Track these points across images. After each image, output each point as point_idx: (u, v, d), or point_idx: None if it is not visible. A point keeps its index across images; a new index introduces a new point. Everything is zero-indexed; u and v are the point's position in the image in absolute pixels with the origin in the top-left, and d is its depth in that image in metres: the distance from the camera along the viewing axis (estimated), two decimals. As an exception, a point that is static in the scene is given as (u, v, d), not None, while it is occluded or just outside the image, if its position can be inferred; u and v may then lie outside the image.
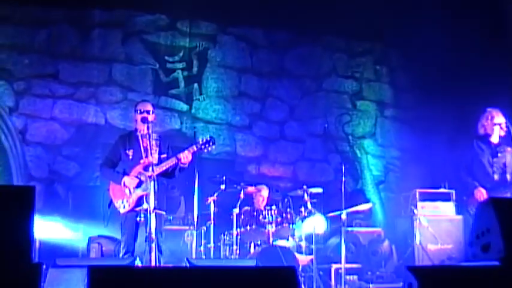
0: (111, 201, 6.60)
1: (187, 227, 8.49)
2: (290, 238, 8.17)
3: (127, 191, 6.50)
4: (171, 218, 8.51)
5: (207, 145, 6.61)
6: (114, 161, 6.78)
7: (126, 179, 6.52)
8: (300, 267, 7.67)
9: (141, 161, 6.51)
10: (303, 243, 8.13)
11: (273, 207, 8.11)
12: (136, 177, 6.52)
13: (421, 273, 3.05)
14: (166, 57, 10.07)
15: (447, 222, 8.67)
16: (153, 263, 5.97)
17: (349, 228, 8.79)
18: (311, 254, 7.91)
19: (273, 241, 7.84)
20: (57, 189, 9.25)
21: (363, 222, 9.47)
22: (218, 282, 3.01)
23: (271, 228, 7.85)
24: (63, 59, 9.55)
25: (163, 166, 6.50)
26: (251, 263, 6.49)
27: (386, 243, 8.71)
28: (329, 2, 9.46)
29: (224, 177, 8.17)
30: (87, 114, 9.56)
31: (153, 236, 6.03)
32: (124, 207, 6.49)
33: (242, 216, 8.06)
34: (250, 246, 8.12)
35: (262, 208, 8.28)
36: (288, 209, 8.18)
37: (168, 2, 9.47)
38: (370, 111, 11.01)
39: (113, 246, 7.88)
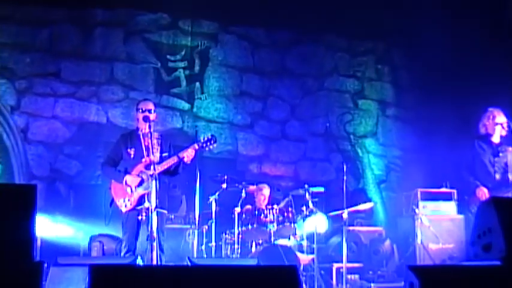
0: (112, 200, 6.60)
1: (188, 226, 8.49)
2: (291, 237, 8.16)
3: (128, 189, 6.50)
4: (173, 216, 8.51)
5: (208, 143, 6.62)
6: (116, 160, 6.78)
7: (127, 177, 6.52)
8: (302, 267, 7.67)
9: (143, 160, 6.51)
10: (305, 243, 8.13)
11: (275, 206, 8.11)
12: (138, 176, 6.52)
13: (423, 273, 3.05)
14: (168, 56, 10.08)
15: (448, 221, 8.66)
16: (154, 262, 5.98)
17: (351, 228, 8.78)
18: (312, 253, 7.91)
19: (274, 240, 7.83)
20: (59, 188, 9.26)
21: (364, 222, 9.47)
22: (219, 281, 3.01)
23: (273, 228, 7.84)
24: (65, 58, 9.57)
25: (165, 165, 6.49)
26: (252, 262, 6.48)
27: (387, 242, 8.70)
28: (331, 1, 9.47)
29: (226, 176, 8.17)
30: (88, 113, 9.57)
31: (155, 234, 6.04)
32: (125, 206, 6.49)
33: (243, 215, 8.06)
34: (251, 245, 8.12)
35: (264, 207, 8.28)
36: (290, 208, 8.17)
37: (170, 1, 9.47)
38: (372, 111, 11.01)
39: (115, 244, 7.88)
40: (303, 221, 8.09)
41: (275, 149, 10.45)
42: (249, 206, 8.38)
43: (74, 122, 9.49)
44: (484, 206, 3.52)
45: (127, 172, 6.57)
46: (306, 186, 8.29)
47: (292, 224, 7.99)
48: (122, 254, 6.52)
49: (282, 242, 7.99)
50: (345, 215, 7.84)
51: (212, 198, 8.00)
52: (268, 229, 7.83)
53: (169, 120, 9.91)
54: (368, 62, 11.12)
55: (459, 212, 8.71)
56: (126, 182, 6.51)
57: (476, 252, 3.45)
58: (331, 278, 8.23)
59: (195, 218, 7.64)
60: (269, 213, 7.92)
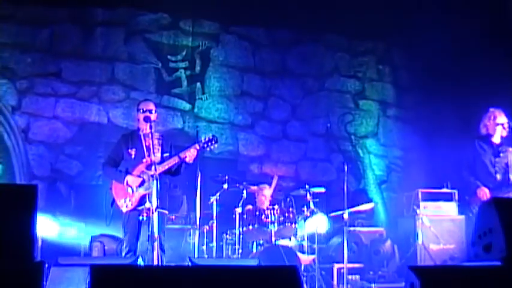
0: (113, 200, 6.60)
1: (189, 226, 8.50)
2: (292, 237, 8.17)
3: (129, 190, 6.50)
4: (174, 217, 8.51)
5: (209, 144, 6.62)
6: (117, 160, 6.77)
7: (128, 178, 6.52)
8: (302, 267, 7.67)
9: (144, 160, 6.51)
10: (305, 243, 8.14)
11: (275, 206, 8.11)
12: (139, 176, 6.51)
13: (423, 273, 3.05)
14: (169, 57, 10.08)
15: (449, 222, 8.67)
16: (155, 262, 5.98)
17: (351, 228, 8.78)
18: (313, 253, 7.91)
19: (275, 240, 7.84)
20: (60, 188, 9.27)
21: (365, 222, 9.47)
22: (220, 281, 3.01)
23: (274, 228, 7.84)
24: (65, 58, 9.57)
25: (166, 165, 6.49)
26: (253, 262, 6.49)
27: (388, 243, 8.70)
28: (331, 1, 9.47)
29: (226, 177, 8.17)
30: (89, 113, 9.57)
31: (156, 235, 6.05)
32: (126, 206, 6.49)
33: (244, 216, 8.06)
34: (252, 246, 8.12)
35: (265, 207, 8.28)
36: (291, 209, 8.17)
37: (171, 1, 9.48)
38: (373, 111, 11.00)
39: (115, 245, 7.89)
40: (304, 221, 8.10)
41: (276, 149, 10.45)
42: (250, 206, 8.39)
43: (74, 122, 9.49)
44: (484, 206, 3.51)
45: (128, 172, 6.57)
46: (307, 186, 8.30)
47: (293, 225, 7.99)
48: (123, 254, 6.52)
49: (282, 242, 7.99)
50: (346, 216, 7.85)
51: (213, 199, 8.00)
52: (269, 229, 7.83)
53: (170, 121, 9.91)
54: (369, 63, 11.11)
55: (460, 212, 8.71)
56: (127, 182, 6.51)
57: (477, 252, 3.44)
58: (332, 278, 8.23)
59: (196, 218, 7.65)
60: (270, 213, 7.92)
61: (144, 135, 6.57)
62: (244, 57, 10.49)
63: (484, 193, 6.87)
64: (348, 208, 7.91)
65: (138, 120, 6.72)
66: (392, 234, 9.21)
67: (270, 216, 7.90)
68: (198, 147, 6.57)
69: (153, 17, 10.05)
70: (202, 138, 6.69)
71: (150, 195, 6.19)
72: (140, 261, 6.06)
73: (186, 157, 6.51)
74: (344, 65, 10.98)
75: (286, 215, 8.01)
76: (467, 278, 3.14)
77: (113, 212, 6.65)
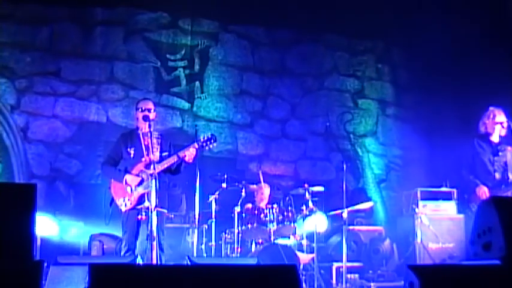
0: (112, 199, 6.60)
1: (188, 225, 8.50)
2: (291, 236, 8.16)
3: (128, 189, 6.50)
4: (173, 216, 8.50)
5: (208, 143, 6.61)
6: (116, 159, 6.77)
7: (127, 177, 6.52)
8: (301, 266, 7.67)
9: (143, 159, 6.51)
10: (304, 242, 8.12)
11: (275, 205, 8.11)
12: (138, 175, 6.51)
13: (422, 272, 3.05)
14: (168, 55, 10.08)
15: (448, 221, 8.67)
16: (154, 261, 5.97)
17: (351, 227, 8.78)
18: (312, 252, 7.91)
19: (274, 239, 7.83)
20: (59, 187, 9.27)
21: (364, 221, 9.47)
22: (219, 280, 3.01)
23: (273, 227, 7.84)
24: (65, 57, 9.57)
25: (165, 164, 6.49)
26: (252, 261, 6.48)
27: (387, 241, 8.71)
28: (331, 0, 9.47)
29: (225, 176, 8.18)
30: (88, 112, 9.57)
31: (155, 234, 6.04)
32: (125, 205, 6.49)
33: (243, 215, 8.07)
34: (251, 245, 8.11)
35: (264, 206, 8.28)
36: (290, 208, 8.17)
37: (170, 0, 9.48)
38: (372, 110, 11.01)
39: (114, 244, 7.88)
40: (303, 220, 8.10)
41: (275, 148, 10.46)
42: (249, 205, 8.38)
43: (74, 121, 9.49)
44: (484, 205, 3.51)
45: (127, 171, 6.57)
46: (306, 185, 8.30)
47: (292, 224, 7.99)
48: (122, 253, 6.52)
49: (282, 241, 7.99)
50: (345, 215, 7.85)
51: (212, 198, 7.99)
52: (268, 228, 7.83)
53: (169, 120, 9.91)
54: (368, 61, 11.12)
55: (459, 211, 8.71)
56: (126, 181, 6.51)
57: (476, 251, 3.44)
58: (331, 277, 8.23)
59: (195, 217, 7.64)
60: (269, 212, 7.92)
61: (143, 134, 6.56)
62: (243, 56, 10.49)
63: (483, 191, 6.87)
64: (347, 207, 7.91)
65: (137, 119, 6.72)
66: (392, 233, 9.22)
67: (269, 215, 7.91)
68: (196, 146, 6.57)
69: (152, 16, 10.05)
70: (201, 137, 6.68)
71: (149, 194, 6.18)
72: (139, 260, 6.06)
73: (185, 156, 6.51)
74: (343, 64, 10.99)
75: (285, 214, 8.01)
76: (466, 277, 3.14)
77: (112, 211, 6.65)
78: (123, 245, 6.58)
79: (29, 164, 9.20)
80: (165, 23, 10.12)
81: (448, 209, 8.85)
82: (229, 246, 8.12)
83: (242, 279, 3.06)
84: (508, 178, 7.03)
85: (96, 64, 9.68)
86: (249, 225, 7.92)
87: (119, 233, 7.05)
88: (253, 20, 10.35)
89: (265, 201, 8.53)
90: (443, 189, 9.02)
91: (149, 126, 6.48)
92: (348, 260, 7.89)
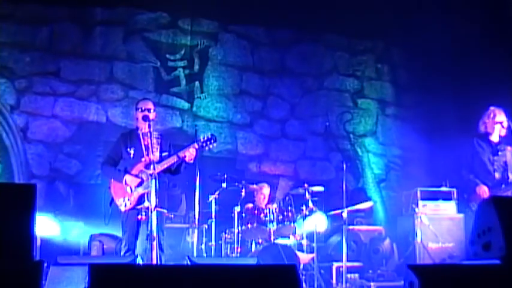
0: (112, 199, 6.60)
1: (188, 225, 8.50)
2: (291, 236, 8.16)
3: (128, 189, 6.50)
4: (172, 216, 8.50)
5: (208, 143, 6.61)
6: (116, 159, 6.77)
7: (127, 177, 6.51)
8: (301, 266, 7.67)
9: (142, 159, 6.51)
10: (304, 242, 8.12)
11: (274, 205, 8.11)
12: (138, 175, 6.51)
13: (422, 272, 3.05)
14: (167, 55, 10.08)
15: (448, 220, 8.67)
16: (154, 261, 5.97)
17: (350, 227, 8.78)
18: (312, 252, 7.91)
19: (274, 239, 7.84)
20: (59, 187, 9.26)
21: (364, 221, 9.47)
22: (219, 280, 3.01)
23: (273, 227, 7.85)
24: (64, 57, 9.57)
25: (165, 164, 6.49)
26: (252, 261, 6.49)
27: (387, 241, 8.71)
28: (331, 0, 9.46)
29: (225, 176, 8.17)
30: (88, 112, 9.57)
31: (154, 234, 6.04)
32: (125, 205, 6.49)
33: (243, 215, 8.07)
34: (251, 245, 8.12)
35: (264, 206, 8.28)
36: (289, 207, 8.17)
37: (170, 0, 9.48)
38: (372, 110, 11.00)
39: (114, 244, 7.88)
40: (303, 220, 8.09)
41: (275, 148, 10.45)
42: (249, 205, 8.39)
43: (73, 121, 9.49)
44: (483, 204, 3.51)
45: (127, 171, 6.56)
46: (306, 185, 8.29)
47: (292, 223, 8.00)
48: (122, 253, 6.52)
49: (281, 241, 7.99)
50: (345, 214, 7.85)
51: (212, 198, 7.99)
52: (268, 228, 7.84)
53: (168, 120, 9.91)
54: (368, 61, 11.11)
55: (459, 211, 8.71)
56: (125, 181, 6.50)
57: (476, 251, 3.44)
58: (330, 277, 8.23)
59: (194, 217, 7.64)
60: (269, 212, 7.92)
61: (143, 134, 6.55)
62: (243, 56, 10.48)
63: (484, 190, 6.87)
64: (347, 207, 7.91)
65: (137, 119, 6.72)
66: (391, 232, 9.22)
67: (269, 215, 7.91)
68: (196, 147, 6.56)
69: (152, 16, 10.05)
70: (201, 138, 6.68)
71: (148, 194, 6.18)
72: (139, 260, 6.06)
73: (185, 156, 6.51)
74: (343, 64, 10.98)
75: (285, 213, 8.01)
76: (466, 276, 3.14)
77: (111, 211, 6.64)
78: (123, 245, 6.58)
79: (29, 164, 9.20)
80: (165, 23, 10.12)
81: (448, 208, 8.85)
82: (229, 246, 8.12)
83: (242, 279, 3.06)
84: (508, 178, 7.03)
85: (95, 64, 9.68)
86: (249, 225, 7.92)
87: (118, 233, 7.05)
88: (253, 20, 10.34)
89: (265, 201, 8.53)
90: (443, 189, 9.02)
91: (149, 126, 6.48)
92: (348, 260, 7.89)
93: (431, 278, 3.04)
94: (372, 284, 7.97)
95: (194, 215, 7.64)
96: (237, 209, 7.98)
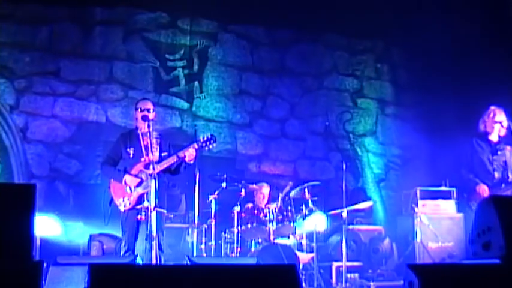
0: (112, 199, 6.60)
1: (188, 225, 8.50)
2: (291, 236, 8.17)
3: (128, 189, 6.50)
4: (172, 216, 8.50)
5: (207, 143, 6.61)
6: (115, 159, 6.77)
7: (127, 177, 6.51)
8: (301, 265, 7.67)
9: (142, 159, 6.51)
10: (304, 241, 8.13)
11: (274, 205, 8.11)
12: (137, 175, 6.51)
13: (422, 271, 3.05)
14: (167, 55, 10.08)
15: (448, 220, 8.67)
16: (153, 261, 5.97)
17: (350, 226, 8.79)
18: (312, 252, 7.91)
19: (273, 239, 7.84)
20: (58, 187, 9.26)
21: (363, 220, 9.47)
22: (219, 280, 3.00)
23: (272, 226, 7.85)
24: (64, 57, 9.56)
25: (164, 164, 6.49)
26: (252, 261, 6.49)
27: (387, 241, 8.71)
28: (330, 0, 9.46)
29: (225, 175, 8.17)
30: (88, 112, 9.57)
31: (154, 234, 6.04)
32: (125, 205, 6.49)
33: (243, 214, 8.06)
34: (251, 244, 8.11)
35: (263, 206, 8.28)
36: (289, 207, 8.17)
37: (169, 0, 9.48)
38: (371, 109, 11.00)
39: (114, 244, 7.88)
40: (303, 219, 8.10)
41: (274, 147, 10.45)
42: (249, 205, 8.38)
43: (73, 121, 9.49)
44: (483, 204, 3.51)
45: (126, 171, 6.56)
46: (305, 185, 8.30)
47: (292, 223, 8.00)
48: (122, 253, 6.52)
49: (281, 241, 8.00)
50: (344, 214, 7.85)
51: (212, 197, 7.99)
52: (267, 228, 7.83)
53: (168, 120, 9.91)
54: (367, 61, 11.11)
55: (458, 210, 8.71)
56: (125, 181, 6.50)
57: (476, 250, 3.44)
58: (330, 276, 8.23)
59: (194, 217, 7.64)
60: (269, 212, 7.92)
61: (142, 134, 6.56)
62: (242, 56, 10.48)
63: (483, 189, 6.87)
64: (347, 206, 7.91)
65: (137, 119, 6.72)
66: (391, 232, 9.22)
67: (268, 214, 7.91)
68: (196, 147, 6.57)
69: (151, 16, 10.05)
70: (201, 138, 6.68)
71: (148, 194, 6.19)
72: (139, 260, 6.06)
73: (184, 156, 6.51)
74: (343, 63, 10.98)
75: (285, 213, 8.01)
76: (466, 276, 3.14)
77: (111, 211, 6.65)
78: (122, 245, 6.58)
79: (28, 164, 9.20)
80: (164, 23, 10.12)
81: (448, 208, 8.85)
82: (229, 246, 8.12)
83: (242, 279, 3.06)
84: (508, 177, 7.04)
85: (95, 64, 9.68)
86: (249, 225, 7.92)
87: (118, 233, 7.05)
88: (253, 20, 10.34)
89: (265, 200, 8.53)
90: (443, 188, 9.02)
91: (148, 126, 6.47)
92: (348, 260, 7.89)
93: (431, 277, 3.04)
94: (371, 283, 7.97)
95: (194, 215, 7.64)
96: (237, 208, 7.98)
